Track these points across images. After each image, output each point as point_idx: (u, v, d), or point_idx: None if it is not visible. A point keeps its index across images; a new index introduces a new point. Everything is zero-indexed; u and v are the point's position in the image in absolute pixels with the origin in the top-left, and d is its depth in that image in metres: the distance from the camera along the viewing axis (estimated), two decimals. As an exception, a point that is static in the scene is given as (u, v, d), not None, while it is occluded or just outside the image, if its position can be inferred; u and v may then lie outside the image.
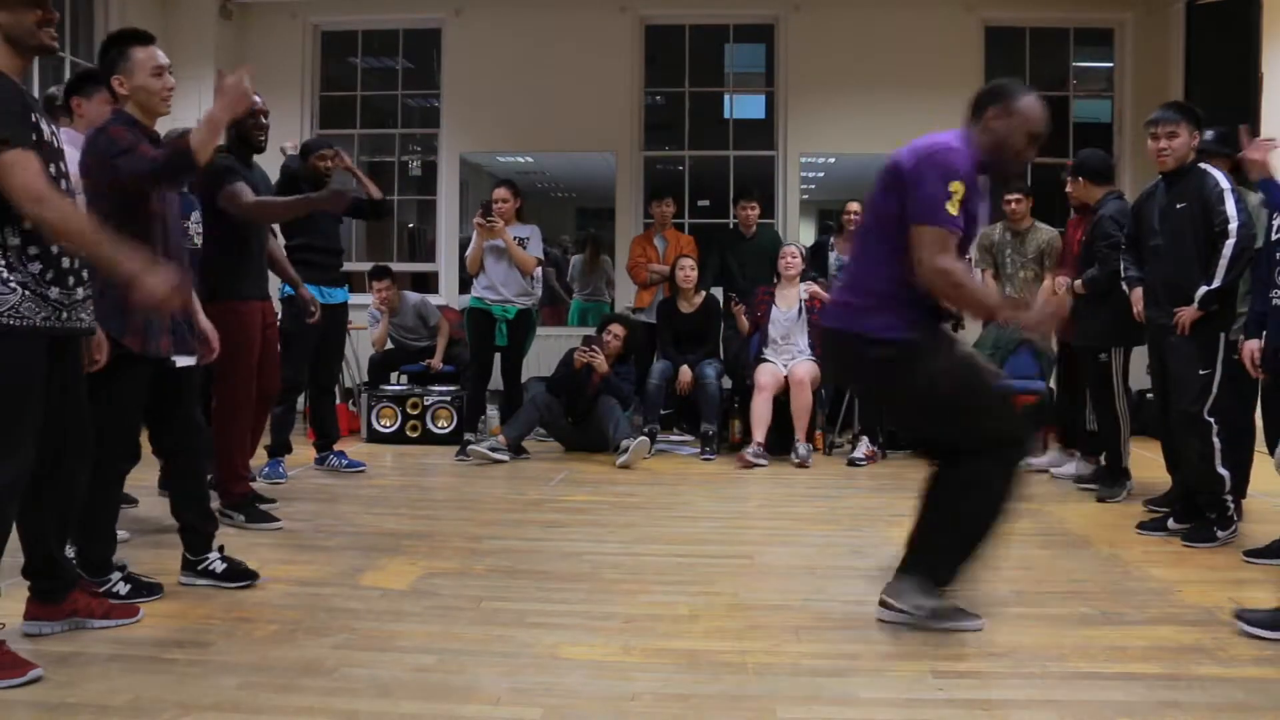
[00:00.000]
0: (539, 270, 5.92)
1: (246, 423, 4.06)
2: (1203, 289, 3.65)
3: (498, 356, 5.82)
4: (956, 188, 2.57)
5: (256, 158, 4.20)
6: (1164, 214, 3.85)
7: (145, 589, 2.93)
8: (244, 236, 3.98)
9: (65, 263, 2.41)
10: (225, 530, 3.81)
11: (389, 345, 6.62)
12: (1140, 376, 4.56)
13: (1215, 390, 3.67)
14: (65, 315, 2.42)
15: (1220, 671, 2.42)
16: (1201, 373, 3.68)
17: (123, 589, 2.88)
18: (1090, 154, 4.93)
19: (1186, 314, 3.69)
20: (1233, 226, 3.62)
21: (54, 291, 2.38)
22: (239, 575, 3.09)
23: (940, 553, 2.74)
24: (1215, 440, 3.66)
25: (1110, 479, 4.58)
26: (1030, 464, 4.97)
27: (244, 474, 4.05)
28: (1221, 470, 3.68)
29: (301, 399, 5.13)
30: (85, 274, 2.49)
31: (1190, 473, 3.81)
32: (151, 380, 2.92)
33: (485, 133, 7.71)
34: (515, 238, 5.67)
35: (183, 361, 2.99)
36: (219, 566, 3.09)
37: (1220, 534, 3.67)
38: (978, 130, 2.72)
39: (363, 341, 6.89)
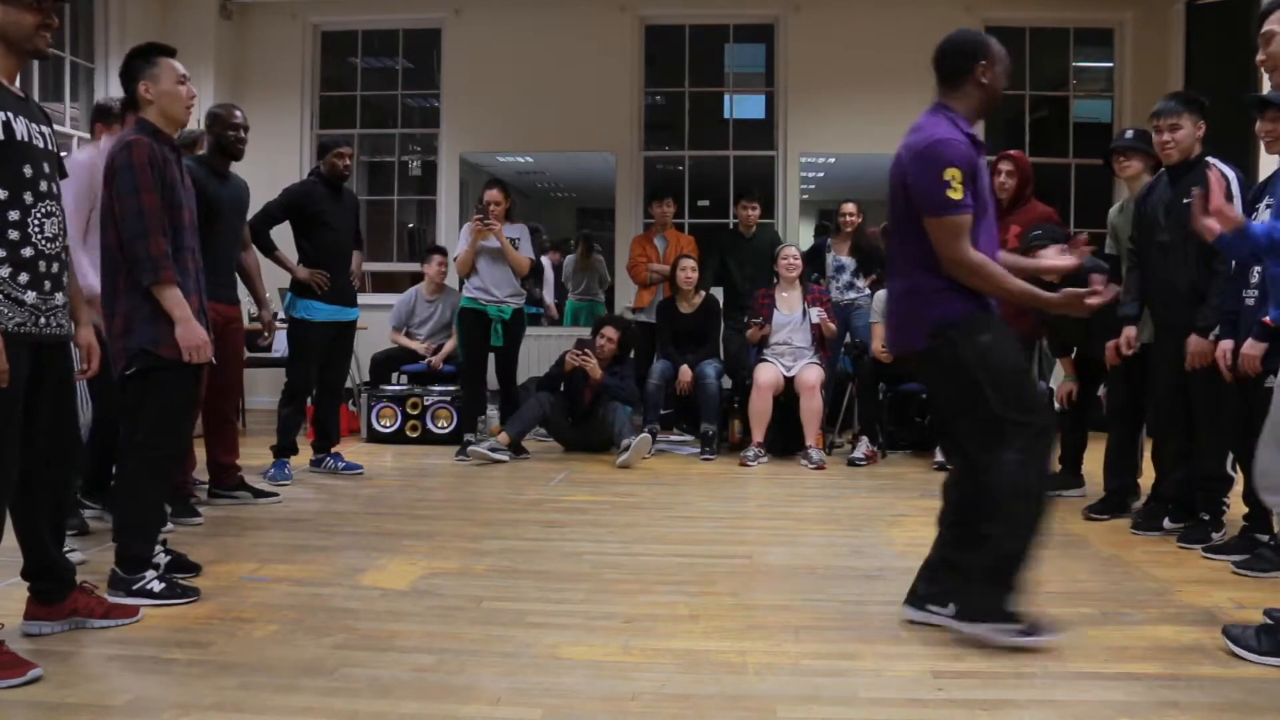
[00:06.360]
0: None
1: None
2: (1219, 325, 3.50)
3: (491, 356, 5.83)
4: (953, 174, 2.64)
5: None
6: (1170, 208, 3.71)
7: (181, 590, 2.92)
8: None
9: (42, 267, 2.38)
10: (221, 530, 3.83)
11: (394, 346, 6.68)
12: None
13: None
14: (44, 320, 2.40)
15: (1220, 671, 2.42)
16: None
17: (156, 587, 2.87)
18: None
19: (1200, 349, 3.56)
20: None
21: (30, 296, 2.36)
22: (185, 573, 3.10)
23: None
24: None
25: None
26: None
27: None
28: (1231, 473, 3.67)
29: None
30: (64, 279, 2.48)
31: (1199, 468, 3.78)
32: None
33: (485, 133, 7.72)
34: (507, 238, 5.68)
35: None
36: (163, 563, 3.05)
37: (1215, 535, 3.66)
38: (967, 90, 2.86)
39: (363, 342, 6.89)
